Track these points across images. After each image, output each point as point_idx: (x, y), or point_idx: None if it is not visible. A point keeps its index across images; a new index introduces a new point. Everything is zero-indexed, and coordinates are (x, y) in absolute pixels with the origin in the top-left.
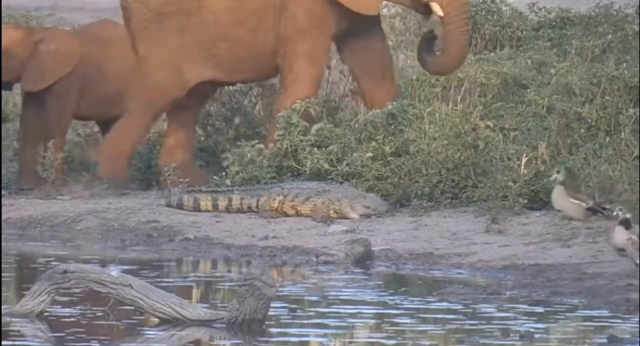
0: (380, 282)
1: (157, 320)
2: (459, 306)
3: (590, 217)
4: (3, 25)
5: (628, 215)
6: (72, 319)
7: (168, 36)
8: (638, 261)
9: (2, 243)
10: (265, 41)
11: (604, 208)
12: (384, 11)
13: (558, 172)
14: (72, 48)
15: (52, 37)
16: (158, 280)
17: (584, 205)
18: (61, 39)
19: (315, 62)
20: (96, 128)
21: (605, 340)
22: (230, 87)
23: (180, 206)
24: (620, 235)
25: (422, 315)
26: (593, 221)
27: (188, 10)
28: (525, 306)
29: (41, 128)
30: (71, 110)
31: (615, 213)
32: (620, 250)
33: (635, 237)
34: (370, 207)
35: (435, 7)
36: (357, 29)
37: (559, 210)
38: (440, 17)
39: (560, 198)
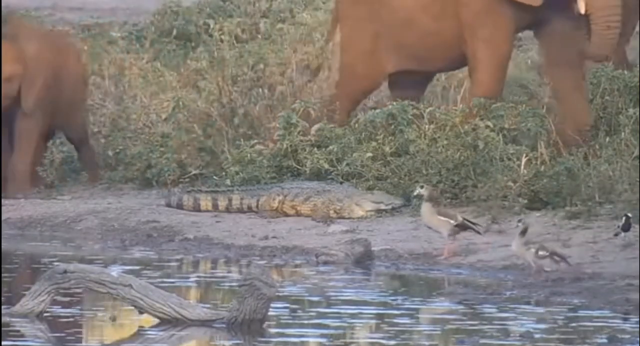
0: (380, 282)
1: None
2: (459, 306)
3: (459, 233)
4: None
5: (527, 226)
6: (72, 319)
7: (363, 25)
8: (546, 269)
9: (2, 243)
10: (450, 29)
11: (475, 224)
12: None
13: (422, 187)
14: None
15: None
16: (159, 280)
17: (451, 221)
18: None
19: (496, 47)
20: (96, 129)
21: (605, 340)
22: (230, 87)
23: (180, 206)
24: (516, 245)
25: (422, 315)
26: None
27: None
28: (525, 306)
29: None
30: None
31: (516, 225)
32: (429, 227)
33: (535, 248)
34: (384, 202)
35: (580, 4)
36: (551, 17)
37: (428, 227)
38: (584, 15)
39: (427, 215)
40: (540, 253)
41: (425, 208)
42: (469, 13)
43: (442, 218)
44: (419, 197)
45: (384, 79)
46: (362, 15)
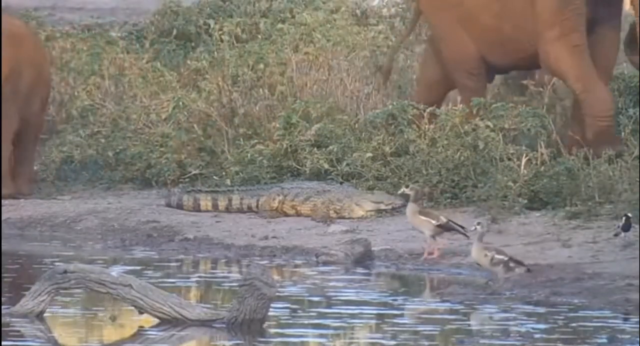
0: (381, 282)
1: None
2: (459, 306)
3: (441, 234)
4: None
5: (484, 230)
6: (72, 319)
7: (449, 10)
8: (500, 276)
9: (2, 243)
10: (514, 28)
11: (461, 226)
12: (384, 11)
13: (407, 186)
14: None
15: None
16: (159, 280)
17: (433, 222)
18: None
19: (568, 44)
20: (96, 128)
21: (605, 340)
22: (230, 87)
23: (180, 206)
24: (475, 250)
25: (422, 316)
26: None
27: None
28: (525, 306)
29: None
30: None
31: (474, 228)
32: (478, 264)
33: (492, 254)
34: (384, 202)
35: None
36: (599, 17)
37: (414, 227)
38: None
39: (411, 214)
40: (497, 257)
41: (410, 208)
42: (540, 12)
43: (423, 218)
44: (404, 196)
45: (478, 62)
46: (445, 4)
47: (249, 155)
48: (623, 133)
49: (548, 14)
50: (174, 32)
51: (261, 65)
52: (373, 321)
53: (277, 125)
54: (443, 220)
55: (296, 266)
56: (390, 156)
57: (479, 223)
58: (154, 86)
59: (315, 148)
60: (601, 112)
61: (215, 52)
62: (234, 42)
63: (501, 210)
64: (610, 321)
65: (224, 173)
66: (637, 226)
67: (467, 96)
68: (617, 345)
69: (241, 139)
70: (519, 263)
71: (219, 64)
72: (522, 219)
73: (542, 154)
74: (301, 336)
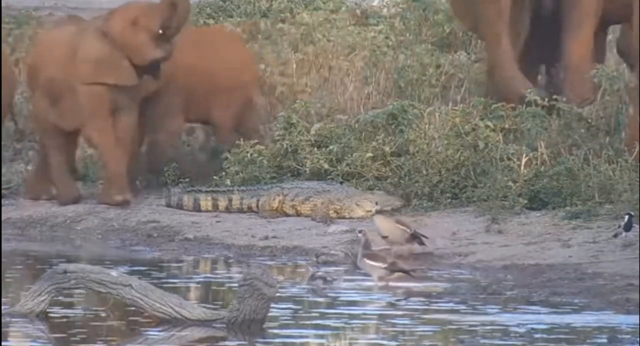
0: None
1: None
2: (459, 306)
3: (411, 243)
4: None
5: (367, 238)
6: (72, 319)
7: None
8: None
9: (2, 243)
10: None
11: (424, 236)
12: (384, 11)
13: (376, 203)
14: None
15: None
16: (161, 280)
17: (408, 230)
18: None
19: None
20: None
21: (605, 340)
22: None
23: (180, 206)
24: (359, 257)
25: (422, 316)
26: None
27: None
28: (525, 306)
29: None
30: None
31: (357, 237)
32: (385, 237)
33: (373, 260)
34: (383, 202)
35: None
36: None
37: (384, 236)
38: None
39: (384, 222)
40: (375, 264)
41: (381, 216)
42: None
43: (400, 226)
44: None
45: None
46: None
47: (249, 155)
48: (623, 133)
49: None
50: None
51: (261, 65)
52: (373, 322)
53: (277, 125)
54: (412, 229)
55: (296, 266)
56: (390, 156)
57: (360, 232)
58: None
59: (315, 148)
60: None
61: None
62: None
63: (501, 210)
64: (610, 321)
65: (224, 173)
66: (638, 226)
67: None
68: (617, 345)
69: (241, 139)
70: (401, 269)
71: None
72: (522, 219)
73: (542, 154)
74: (301, 336)
